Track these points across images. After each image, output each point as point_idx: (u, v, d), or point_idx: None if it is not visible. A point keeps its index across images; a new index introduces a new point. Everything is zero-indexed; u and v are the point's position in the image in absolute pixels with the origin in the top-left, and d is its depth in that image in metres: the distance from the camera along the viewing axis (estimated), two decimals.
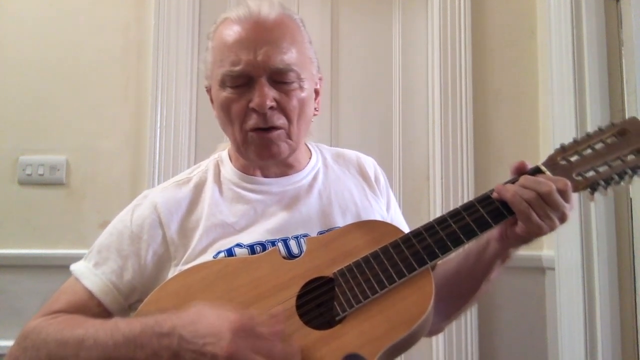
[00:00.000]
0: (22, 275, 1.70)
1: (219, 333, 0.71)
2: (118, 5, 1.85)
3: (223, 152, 1.05)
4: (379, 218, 1.01)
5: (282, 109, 0.90)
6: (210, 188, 0.96)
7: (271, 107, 0.88)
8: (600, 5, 1.69)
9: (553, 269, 1.70)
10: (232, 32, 0.90)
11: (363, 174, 1.08)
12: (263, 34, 0.89)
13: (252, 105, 0.88)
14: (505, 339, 1.76)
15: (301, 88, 0.92)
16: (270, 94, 0.88)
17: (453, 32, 1.86)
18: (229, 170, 0.99)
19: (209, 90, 0.98)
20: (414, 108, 1.93)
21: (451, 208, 1.60)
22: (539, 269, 1.78)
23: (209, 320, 0.73)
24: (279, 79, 0.89)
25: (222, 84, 0.90)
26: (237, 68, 0.88)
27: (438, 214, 1.81)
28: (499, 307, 1.77)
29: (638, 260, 1.57)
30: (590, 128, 1.64)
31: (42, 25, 1.84)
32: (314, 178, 1.01)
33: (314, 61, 0.97)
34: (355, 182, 1.05)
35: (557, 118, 1.72)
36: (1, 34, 1.84)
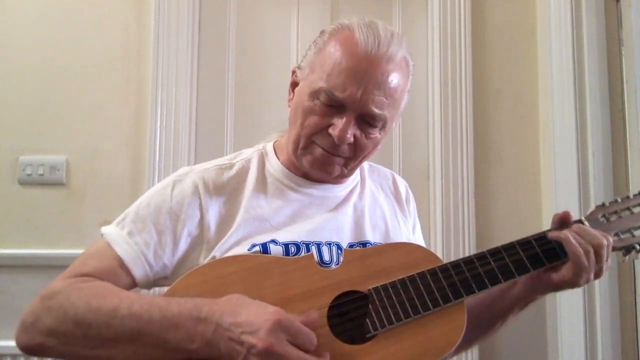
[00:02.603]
0: (22, 275, 1.70)
1: (257, 323, 0.71)
2: (118, 5, 1.85)
3: (268, 145, 1.04)
4: (405, 239, 1.02)
5: (355, 145, 0.91)
6: (252, 179, 0.96)
7: (348, 143, 0.89)
8: (600, 5, 1.69)
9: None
10: (351, 54, 0.87)
11: (396, 193, 1.09)
12: (379, 76, 0.86)
13: (332, 132, 0.88)
14: (505, 339, 1.76)
15: (380, 133, 0.93)
16: (351, 131, 0.88)
17: (453, 32, 1.86)
18: (274, 164, 0.99)
19: (296, 78, 0.97)
20: (414, 108, 1.93)
21: (451, 208, 1.60)
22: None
23: (249, 310, 0.73)
24: (368, 120, 0.89)
25: (315, 95, 0.89)
26: (339, 96, 0.87)
27: (438, 214, 1.82)
28: None
29: (638, 260, 1.57)
30: (591, 128, 1.65)
31: (42, 26, 1.84)
32: (352, 191, 1.02)
33: (401, 111, 0.97)
34: (387, 200, 1.06)
35: (557, 118, 1.72)
36: (1, 34, 1.83)
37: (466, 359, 1.74)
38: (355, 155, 0.92)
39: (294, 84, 0.97)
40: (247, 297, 0.76)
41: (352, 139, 0.89)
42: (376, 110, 0.87)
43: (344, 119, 0.87)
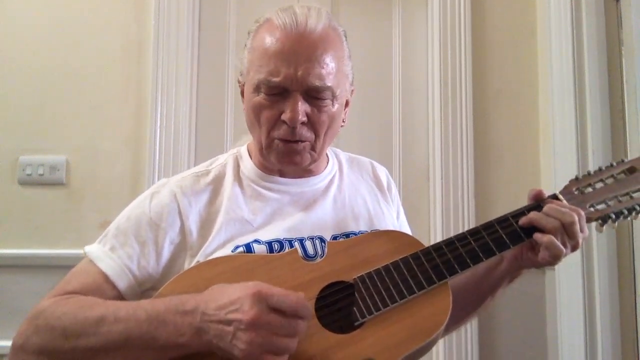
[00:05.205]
0: (22, 275, 1.70)
1: (239, 299, 0.72)
2: (118, 5, 1.85)
3: (242, 148, 1.05)
4: (390, 225, 1.02)
5: (311, 123, 0.91)
6: (229, 182, 0.97)
7: (302, 122, 0.90)
8: (600, 5, 1.69)
9: (553, 268, 1.70)
10: (274, 40, 0.89)
11: (377, 181, 1.09)
12: (305, 50, 0.88)
13: (284, 117, 0.89)
14: (505, 339, 1.76)
15: (333, 104, 0.93)
16: (302, 109, 0.89)
17: (453, 32, 1.86)
18: (248, 167, 1.00)
19: (241, 85, 0.99)
20: (414, 108, 1.93)
21: (451, 208, 1.60)
22: (539, 269, 1.78)
23: (229, 292, 0.74)
24: (314, 94, 0.90)
25: (257, 89, 0.91)
26: (275, 80, 0.88)
27: (438, 214, 1.82)
28: (498, 306, 1.77)
29: (638, 260, 1.57)
30: (591, 128, 1.65)
31: (42, 26, 1.84)
32: (330, 182, 1.03)
33: (349, 76, 0.98)
34: (368, 189, 1.07)
35: (557, 118, 1.72)
36: (1, 34, 1.84)
37: (466, 358, 1.74)
38: (317, 133, 0.93)
39: (242, 94, 0.99)
40: (228, 283, 0.76)
41: (305, 118, 0.90)
42: (317, 82, 0.88)
43: (290, 101, 0.89)
